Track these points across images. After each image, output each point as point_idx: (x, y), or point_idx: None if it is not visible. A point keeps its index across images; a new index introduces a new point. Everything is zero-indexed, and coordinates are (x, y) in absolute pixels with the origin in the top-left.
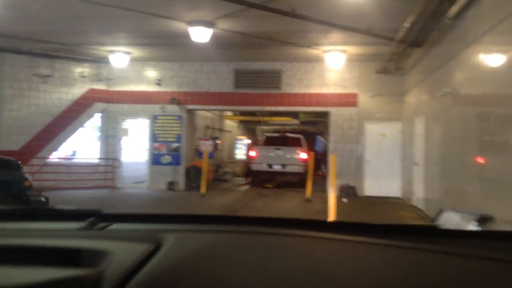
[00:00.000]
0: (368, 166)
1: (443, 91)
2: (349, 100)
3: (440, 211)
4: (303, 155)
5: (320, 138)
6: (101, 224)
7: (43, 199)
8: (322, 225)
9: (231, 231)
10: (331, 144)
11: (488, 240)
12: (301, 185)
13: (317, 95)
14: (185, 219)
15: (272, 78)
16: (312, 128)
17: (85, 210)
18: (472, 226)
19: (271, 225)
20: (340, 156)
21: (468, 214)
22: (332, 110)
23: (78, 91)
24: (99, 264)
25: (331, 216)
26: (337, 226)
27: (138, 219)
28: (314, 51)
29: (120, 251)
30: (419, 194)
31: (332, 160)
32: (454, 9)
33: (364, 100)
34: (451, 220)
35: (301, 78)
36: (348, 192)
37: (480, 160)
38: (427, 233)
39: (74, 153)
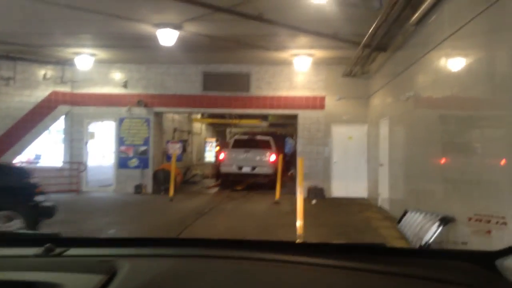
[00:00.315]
0: (336, 168)
1: (406, 94)
2: (316, 103)
3: (405, 212)
4: (272, 157)
5: (289, 140)
6: (58, 250)
7: (49, 204)
8: (283, 246)
9: (188, 255)
10: (299, 146)
11: (433, 259)
12: (271, 186)
13: (286, 98)
14: (141, 242)
15: (241, 81)
16: (282, 130)
17: (42, 234)
18: (435, 227)
19: (234, 247)
20: (308, 158)
21: (431, 214)
22: (300, 112)
23: (41, 93)
24: None
25: (299, 217)
26: (299, 247)
27: (94, 243)
28: (282, 55)
29: (72, 284)
30: (384, 195)
31: (299, 162)
32: (416, 15)
33: (331, 103)
34: (414, 220)
35: (269, 81)
36: (316, 193)
37: (442, 161)
38: (381, 252)
39: (37, 157)
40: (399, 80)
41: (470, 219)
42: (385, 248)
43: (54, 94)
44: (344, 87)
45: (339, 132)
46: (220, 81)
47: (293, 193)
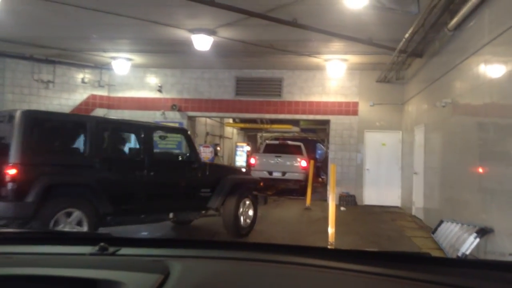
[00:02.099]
0: (368, 175)
1: (443, 101)
2: (349, 109)
3: (440, 222)
4: (303, 163)
5: (320, 146)
6: (111, 249)
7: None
8: (329, 253)
9: (235, 258)
10: (331, 152)
11: (476, 270)
12: (301, 192)
13: (318, 103)
14: (189, 244)
15: (273, 86)
16: (312, 135)
17: (94, 234)
18: (472, 238)
19: (274, 251)
20: (340, 165)
21: (468, 225)
22: (332, 118)
23: (79, 97)
24: None
25: (331, 225)
26: (342, 254)
27: (145, 243)
28: (315, 60)
29: (132, 282)
30: (418, 204)
31: (332, 169)
32: (454, 21)
33: (365, 108)
34: (450, 230)
35: (301, 86)
36: (347, 200)
37: (480, 170)
38: (423, 261)
39: None
40: (435, 87)
41: None
42: (431, 257)
43: (92, 97)
44: (378, 93)
45: (372, 139)
46: (253, 86)
47: (324, 199)
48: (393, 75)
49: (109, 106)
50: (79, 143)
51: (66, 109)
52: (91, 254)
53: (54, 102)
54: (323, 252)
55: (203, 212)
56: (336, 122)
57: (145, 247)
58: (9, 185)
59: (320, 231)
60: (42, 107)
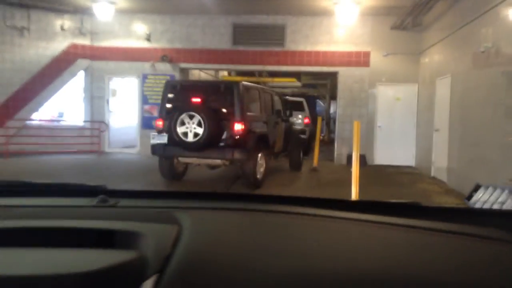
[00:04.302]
0: (380, 133)
1: (481, 47)
2: (360, 59)
3: (477, 187)
4: (306, 120)
5: (319, 102)
6: (112, 201)
7: None
8: (342, 204)
9: (245, 209)
10: (339, 108)
11: (477, 217)
12: (305, 152)
13: (325, 53)
14: (188, 195)
15: (275, 34)
16: (312, 91)
17: (90, 186)
18: None
19: (294, 203)
20: (349, 121)
21: (509, 190)
22: (341, 70)
23: (58, 46)
24: (135, 246)
25: (355, 184)
26: (360, 206)
27: (145, 195)
28: (323, 3)
29: (151, 233)
30: (439, 164)
31: (355, 126)
32: None
33: (377, 59)
34: (494, 197)
35: (307, 34)
36: None
37: None
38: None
39: (61, 115)
40: (467, 31)
41: None
42: (425, 206)
43: (73, 47)
44: (393, 41)
45: (385, 93)
46: (252, 34)
47: (329, 159)
48: (409, 21)
49: (92, 57)
50: (259, 105)
51: (44, 60)
52: (94, 206)
53: (31, 51)
54: (339, 203)
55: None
56: (345, 74)
57: (143, 199)
58: (237, 137)
59: (333, 195)
60: (17, 57)
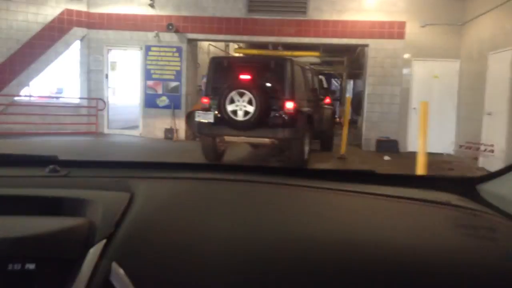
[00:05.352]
0: (415, 116)
1: None
2: (393, 31)
3: None
4: (327, 100)
5: (336, 81)
6: (63, 171)
7: None
8: (301, 172)
9: (205, 178)
10: (368, 86)
11: (422, 183)
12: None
13: (353, 23)
14: (147, 165)
15: (296, 0)
16: (328, 69)
17: (39, 156)
18: None
19: (250, 172)
20: (379, 102)
21: None
22: (371, 43)
23: (50, 11)
24: (83, 213)
25: None
26: (319, 174)
27: (96, 165)
28: None
29: (100, 200)
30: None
31: (423, 106)
32: None
33: (413, 31)
34: None
35: (333, 0)
36: (387, 146)
37: None
38: (374, 178)
39: (59, 91)
40: None
41: None
42: (376, 174)
43: (67, 13)
44: (432, 9)
45: (422, 70)
46: (270, 0)
47: (354, 145)
48: None
49: (89, 25)
50: (304, 84)
51: (35, 27)
52: (44, 176)
53: (19, 17)
54: (298, 172)
55: None
56: (376, 47)
57: (97, 168)
58: (288, 115)
59: None
60: (3, 24)
